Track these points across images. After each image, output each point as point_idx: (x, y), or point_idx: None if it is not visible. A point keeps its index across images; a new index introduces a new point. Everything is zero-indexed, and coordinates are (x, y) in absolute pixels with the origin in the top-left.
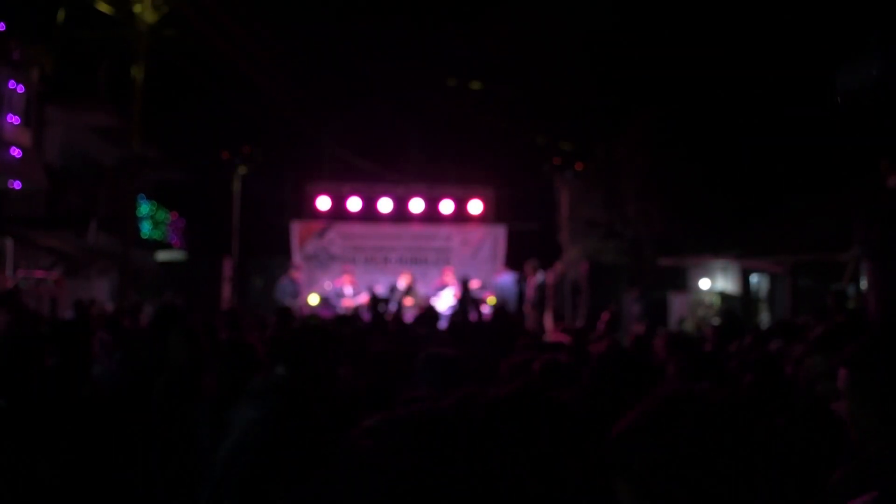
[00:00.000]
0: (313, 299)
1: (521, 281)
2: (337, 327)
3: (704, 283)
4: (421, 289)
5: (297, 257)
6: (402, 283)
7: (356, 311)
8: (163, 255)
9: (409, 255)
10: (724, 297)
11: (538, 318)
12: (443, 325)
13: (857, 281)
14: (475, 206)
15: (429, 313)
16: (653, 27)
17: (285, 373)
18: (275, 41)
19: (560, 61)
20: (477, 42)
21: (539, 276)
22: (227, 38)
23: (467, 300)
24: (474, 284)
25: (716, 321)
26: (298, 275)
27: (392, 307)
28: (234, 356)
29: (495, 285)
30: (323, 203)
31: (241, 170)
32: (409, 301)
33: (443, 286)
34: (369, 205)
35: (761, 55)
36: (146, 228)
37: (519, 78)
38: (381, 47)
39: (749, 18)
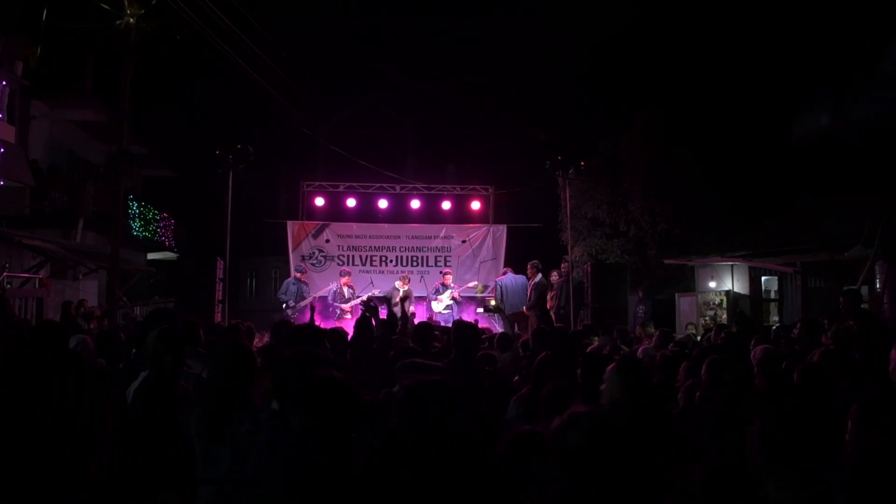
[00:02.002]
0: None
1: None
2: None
3: (712, 284)
4: (419, 290)
5: (294, 258)
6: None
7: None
8: (154, 255)
9: (408, 256)
10: (732, 297)
11: (536, 320)
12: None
13: (871, 282)
14: (475, 206)
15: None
16: (658, 24)
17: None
18: (269, 35)
19: (564, 58)
20: (479, 39)
21: (539, 278)
22: (221, 31)
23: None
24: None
25: (723, 321)
26: (304, 277)
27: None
28: (233, 362)
29: (506, 287)
30: (318, 202)
31: (235, 168)
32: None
33: (443, 288)
34: (366, 204)
35: (768, 52)
36: (136, 227)
37: (521, 74)
38: (379, 43)
39: (756, 16)
